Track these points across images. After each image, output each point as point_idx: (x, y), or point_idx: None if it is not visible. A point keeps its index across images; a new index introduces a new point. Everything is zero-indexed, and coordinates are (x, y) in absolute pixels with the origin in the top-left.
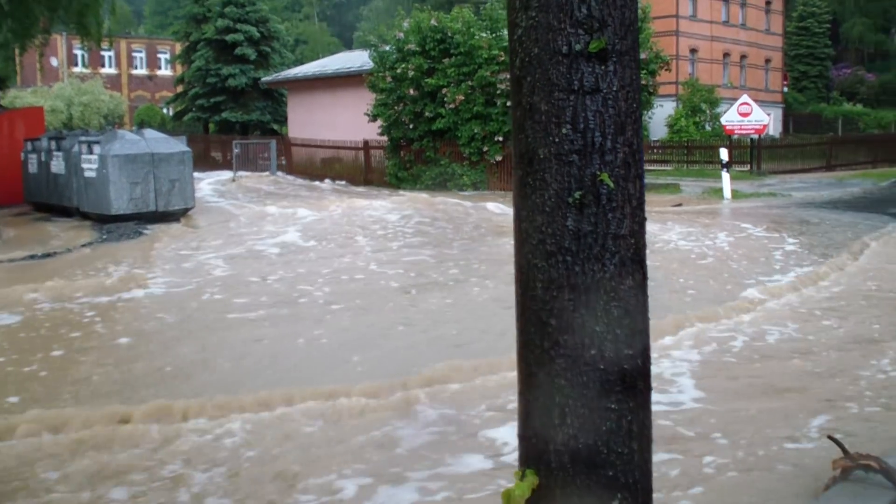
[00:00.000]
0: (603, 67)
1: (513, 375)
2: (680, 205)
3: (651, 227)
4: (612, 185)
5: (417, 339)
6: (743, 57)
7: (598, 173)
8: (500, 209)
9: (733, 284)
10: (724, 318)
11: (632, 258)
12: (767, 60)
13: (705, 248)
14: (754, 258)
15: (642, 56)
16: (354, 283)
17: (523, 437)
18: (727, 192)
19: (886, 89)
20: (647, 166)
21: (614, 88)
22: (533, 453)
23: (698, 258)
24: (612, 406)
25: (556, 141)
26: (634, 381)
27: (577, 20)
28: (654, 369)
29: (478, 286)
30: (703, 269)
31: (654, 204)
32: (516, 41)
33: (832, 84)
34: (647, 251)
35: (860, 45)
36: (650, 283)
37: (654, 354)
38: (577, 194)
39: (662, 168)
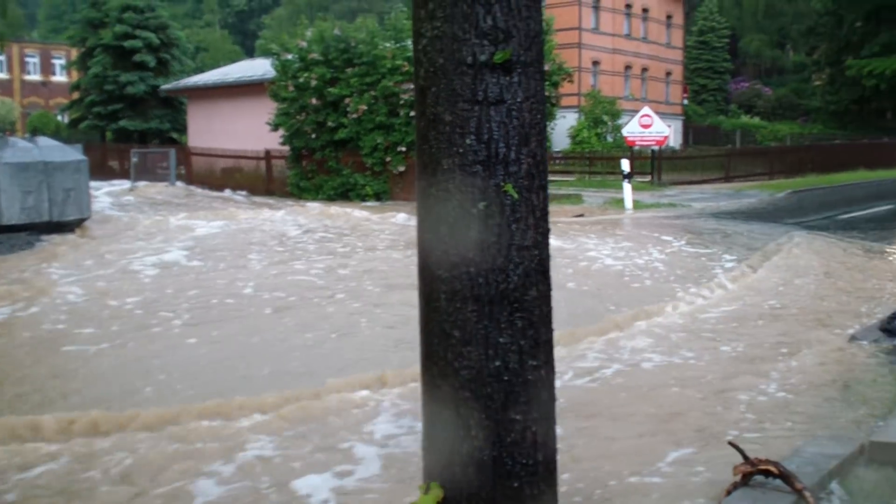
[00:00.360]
0: (508, 78)
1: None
2: (582, 215)
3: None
4: (516, 195)
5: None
6: (644, 70)
7: (503, 184)
8: (410, 221)
9: (624, 299)
10: (597, 336)
11: (536, 269)
12: (668, 73)
13: (596, 260)
14: (654, 269)
15: (545, 68)
16: (220, 309)
17: (428, 449)
18: (628, 203)
19: (782, 103)
20: (550, 177)
21: (519, 99)
22: (437, 466)
23: (580, 273)
24: (517, 417)
25: (461, 152)
26: (539, 392)
27: (482, 31)
28: None
29: (366, 316)
30: (592, 282)
31: (556, 214)
32: (421, 51)
33: (731, 97)
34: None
35: (757, 60)
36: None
37: None
38: (481, 205)
39: (565, 179)
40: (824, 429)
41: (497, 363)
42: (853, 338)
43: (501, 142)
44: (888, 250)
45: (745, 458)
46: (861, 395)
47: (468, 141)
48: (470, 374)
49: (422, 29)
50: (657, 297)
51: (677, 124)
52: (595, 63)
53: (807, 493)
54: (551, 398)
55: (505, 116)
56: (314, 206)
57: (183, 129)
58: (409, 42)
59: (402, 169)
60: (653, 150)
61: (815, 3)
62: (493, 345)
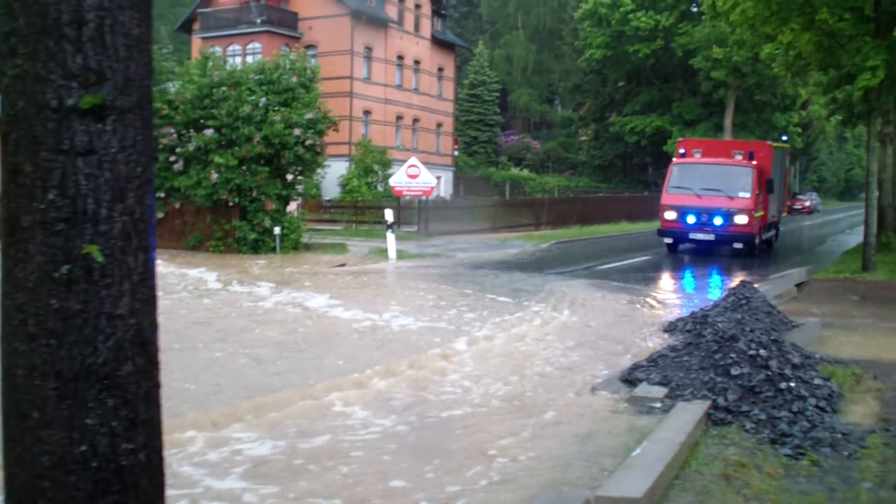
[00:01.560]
0: (99, 126)
1: None
2: (343, 265)
3: (263, 291)
4: (101, 258)
5: None
6: (415, 120)
7: (89, 245)
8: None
9: (369, 354)
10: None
11: (132, 340)
12: (439, 125)
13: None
14: (403, 328)
15: (309, 116)
16: None
17: None
18: (392, 253)
19: (550, 156)
20: (317, 226)
21: (113, 150)
22: None
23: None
24: None
25: (42, 207)
26: (137, 479)
27: (70, 72)
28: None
29: None
30: (323, 342)
31: (317, 264)
32: (3, 92)
33: (501, 149)
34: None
35: (527, 114)
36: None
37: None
38: (64, 269)
39: (332, 228)
40: (555, 485)
41: (83, 448)
42: (594, 389)
43: (90, 197)
44: (638, 300)
45: None
46: (595, 448)
47: (51, 196)
48: (51, 461)
49: (3, 67)
50: (404, 353)
51: (448, 175)
52: (366, 112)
53: None
54: (156, 486)
55: (95, 168)
56: None
57: None
58: (171, 84)
59: (160, 215)
60: (419, 201)
61: (582, 62)
62: (79, 427)
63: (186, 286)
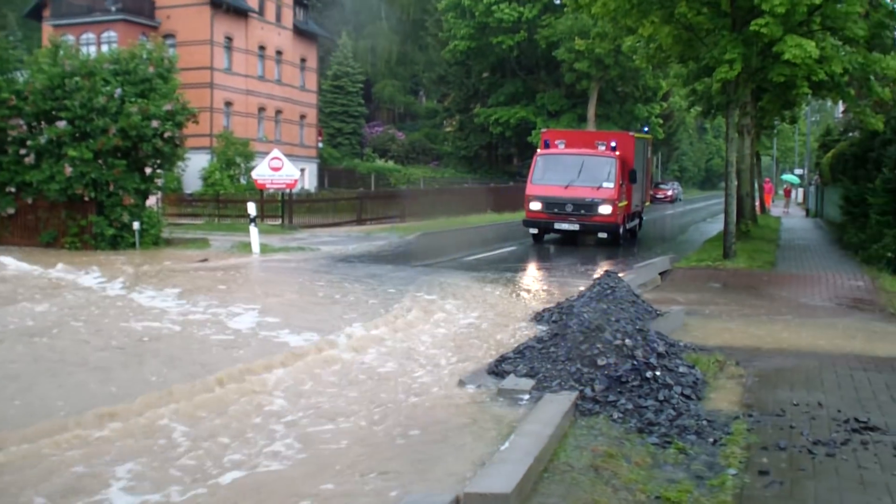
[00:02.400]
0: None
1: None
2: (206, 260)
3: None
4: None
5: None
6: (278, 112)
7: None
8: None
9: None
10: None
11: None
12: (303, 116)
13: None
14: (262, 324)
15: (167, 107)
16: None
17: None
18: (255, 247)
19: (415, 147)
20: (178, 220)
21: None
22: None
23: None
24: None
25: None
26: None
27: None
28: None
29: None
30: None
31: (178, 259)
32: None
33: (365, 141)
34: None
35: (391, 106)
36: None
37: None
38: None
39: (194, 222)
40: (423, 482)
41: None
42: (461, 383)
43: None
44: (505, 291)
45: None
46: (462, 443)
47: None
48: None
49: None
50: (257, 355)
51: (312, 167)
52: (228, 104)
53: None
54: None
55: None
56: None
57: None
58: (19, 73)
59: (11, 211)
60: (283, 193)
61: (446, 53)
62: None
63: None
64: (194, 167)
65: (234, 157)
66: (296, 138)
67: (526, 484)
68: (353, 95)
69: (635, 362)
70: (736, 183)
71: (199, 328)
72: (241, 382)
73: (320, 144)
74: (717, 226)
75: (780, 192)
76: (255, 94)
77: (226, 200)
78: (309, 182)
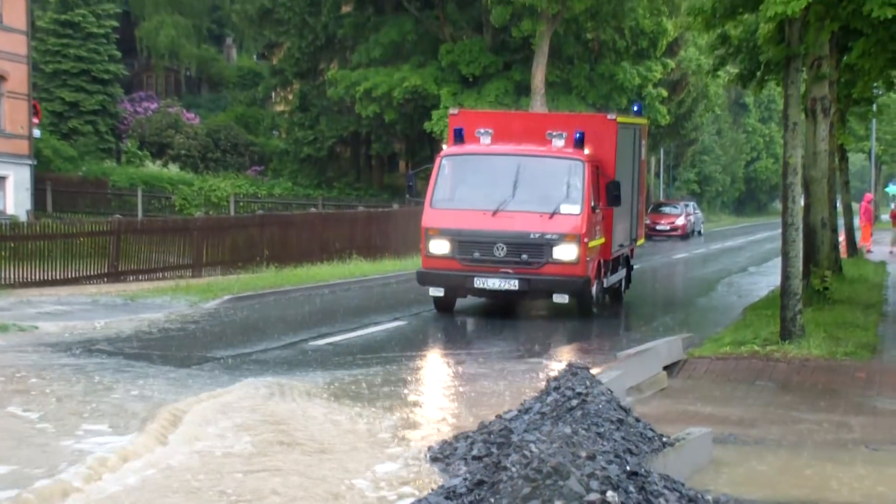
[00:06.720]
0: None
1: None
2: None
3: None
4: None
5: None
6: None
7: None
8: None
9: None
10: None
11: None
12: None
13: None
14: None
15: None
16: None
17: None
18: None
19: (219, 140)
20: None
21: None
22: None
23: None
24: None
25: None
26: None
27: None
28: None
29: None
30: None
31: None
32: None
33: (126, 127)
34: None
35: (173, 64)
36: None
37: None
38: None
39: None
40: None
41: None
42: None
43: None
44: (382, 407)
45: None
46: None
47: None
48: None
49: None
50: None
51: (22, 173)
52: None
53: None
54: None
55: None
56: None
57: None
58: None
59: None
60: None
61: None
62: None
63: None
64: None
65: None
66: None
67: None
68: (99, 42)
69: None
70: (803, 203)
71: None
72: None
73: (37, 132)
74: (767, 279)
75: (887, 216)
76: None
77: None
78: (15, 202)
